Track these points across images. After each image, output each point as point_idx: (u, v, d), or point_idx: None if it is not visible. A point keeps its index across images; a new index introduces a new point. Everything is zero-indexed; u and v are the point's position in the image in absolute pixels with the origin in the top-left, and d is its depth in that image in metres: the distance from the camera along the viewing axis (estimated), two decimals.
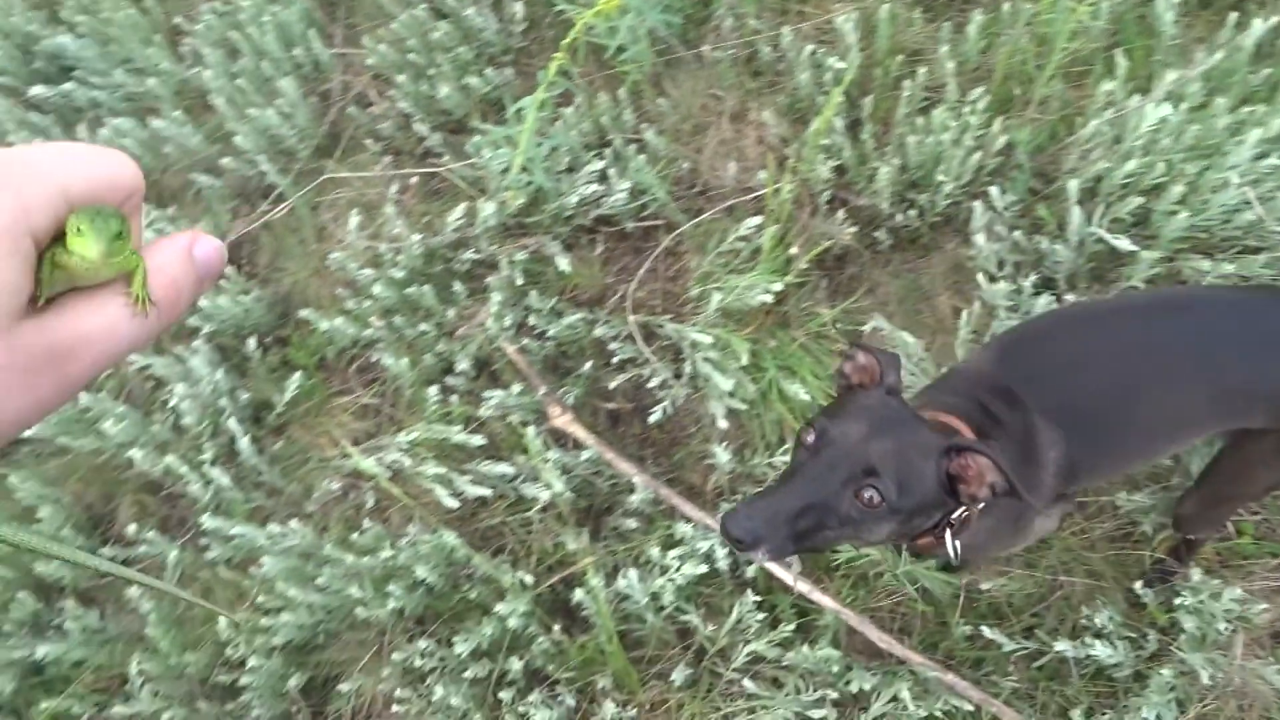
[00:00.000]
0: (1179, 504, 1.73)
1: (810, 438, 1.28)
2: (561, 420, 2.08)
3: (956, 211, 2.03)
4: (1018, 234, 1.93)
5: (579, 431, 2.07)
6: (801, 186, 2.02)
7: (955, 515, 1.35)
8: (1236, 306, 1.43)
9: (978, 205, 1.91)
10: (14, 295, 0.42)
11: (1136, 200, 1.84)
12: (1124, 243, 1.81)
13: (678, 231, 2.11)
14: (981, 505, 1.30)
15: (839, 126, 2.01)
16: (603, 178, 2.11)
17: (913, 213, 2.01)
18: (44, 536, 0.43)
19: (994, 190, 1.93)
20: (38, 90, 2.41)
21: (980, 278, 1.91)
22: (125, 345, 0.47)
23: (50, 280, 0.45)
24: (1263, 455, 1.50)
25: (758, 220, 1.98)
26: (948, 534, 1.36)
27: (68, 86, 2.41)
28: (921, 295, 2.04)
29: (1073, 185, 1.84)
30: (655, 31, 2.12)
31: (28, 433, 2.18)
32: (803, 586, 1.89)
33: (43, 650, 2.05)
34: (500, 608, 1.91)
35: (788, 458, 1.81)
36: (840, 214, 2.01)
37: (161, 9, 2.49)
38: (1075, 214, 1.84)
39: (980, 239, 1.90)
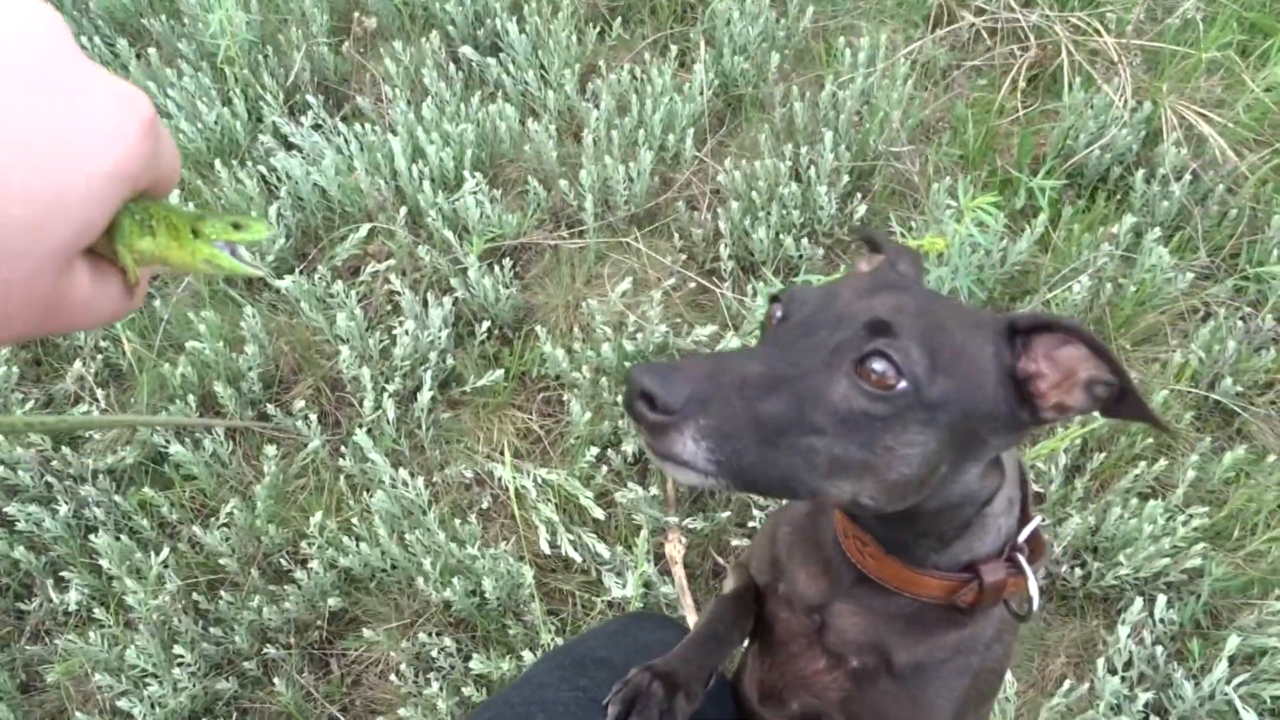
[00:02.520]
0: None
1: (778, 311, 0.84)
2: (672, 549, 2.19)
3: (1118, 595, 2.04)
4: (1159, 649, 1.92)
5: (678, 571, 2.16)
6: None
7: (1027, 533, 0.90)
8: None
9: (1139, 601, 1.92)
10: (89, 236, 0.44)
11: None
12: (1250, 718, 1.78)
13: None
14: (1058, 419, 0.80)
15: (1061, 462, 2.08)
16: None
17: (1079, 573, 2.04)
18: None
19: (1162, 600, 1.93)
20: (466, 50, 2.82)
21: (1100, 664, 1.91)
22: (96, 322, 0.48)
23: (128, 243, 0.48)
24: None
25: None
26: (1023, 563, 0.90)
27: (490, 60, 2.80)
28: (1040, 646, 2.04)
29: (1232, 641, 1.83)
30: (960, 292, 2.27)
31: (280, 284, 2.48)
32: None
33: (175, 448, 2.29)
34: (527, 655, 2.01)
35: None
36: None
37: (591, 48, 2.87)
38: (1221, 668, 1.82)
39: (1123, 631, 1.91)
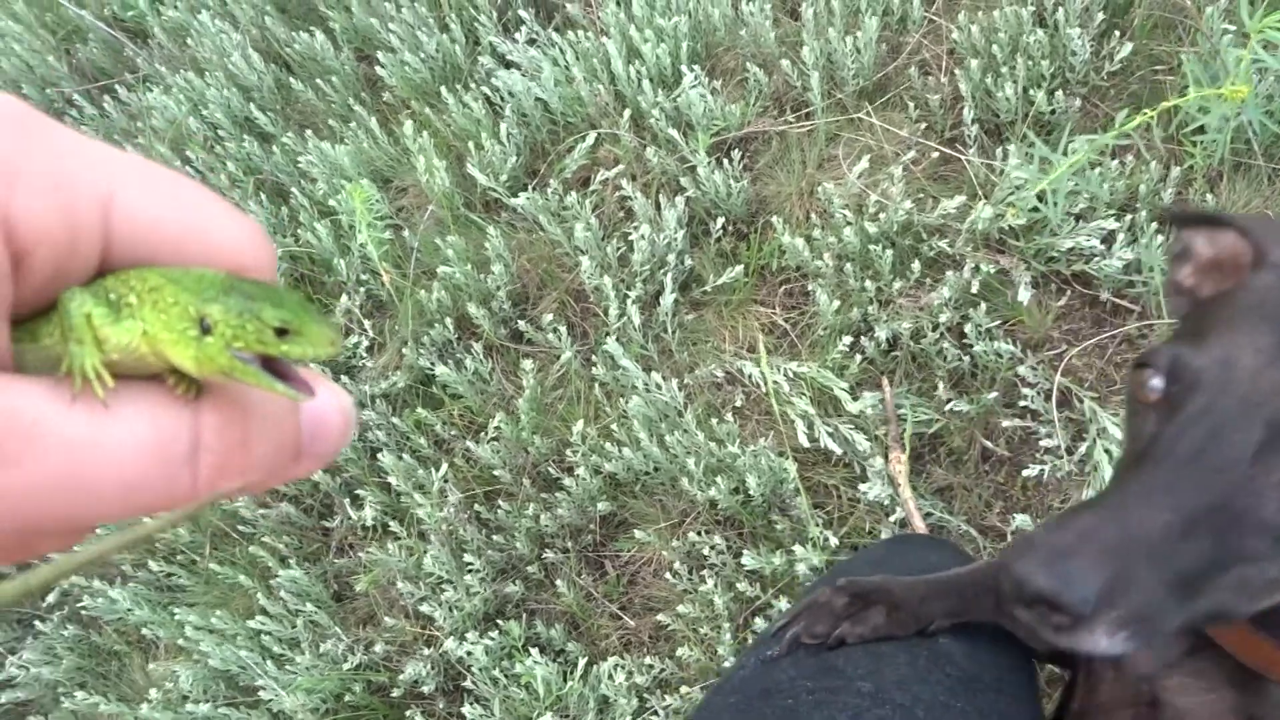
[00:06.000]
0: None
1: (1155, 382, 0.67)
2: (894, 468, 2.05)
3: None
4: None
5: (905, 494, 2.01)
6: None
7: None
8: None
9: None
10: None
11: None
12: None
13: (1150, 323, 2.04)
14: None
15: None
16: (1106, 239, 2.07)
17: None
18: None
19: None
20: None
21: None
22: (102, 481, 0.26)
23: (80, 335, 0.27)
24: None
25: None
26: None
27: None
28: None
29: None
30: (1246, 128, 2.02)
31: (515, 202, 2.52)
32: None
33: (440, 370, 2.41)
34: (797, 549, 2.01)
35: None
36: None
37: None
38: None
39: None
